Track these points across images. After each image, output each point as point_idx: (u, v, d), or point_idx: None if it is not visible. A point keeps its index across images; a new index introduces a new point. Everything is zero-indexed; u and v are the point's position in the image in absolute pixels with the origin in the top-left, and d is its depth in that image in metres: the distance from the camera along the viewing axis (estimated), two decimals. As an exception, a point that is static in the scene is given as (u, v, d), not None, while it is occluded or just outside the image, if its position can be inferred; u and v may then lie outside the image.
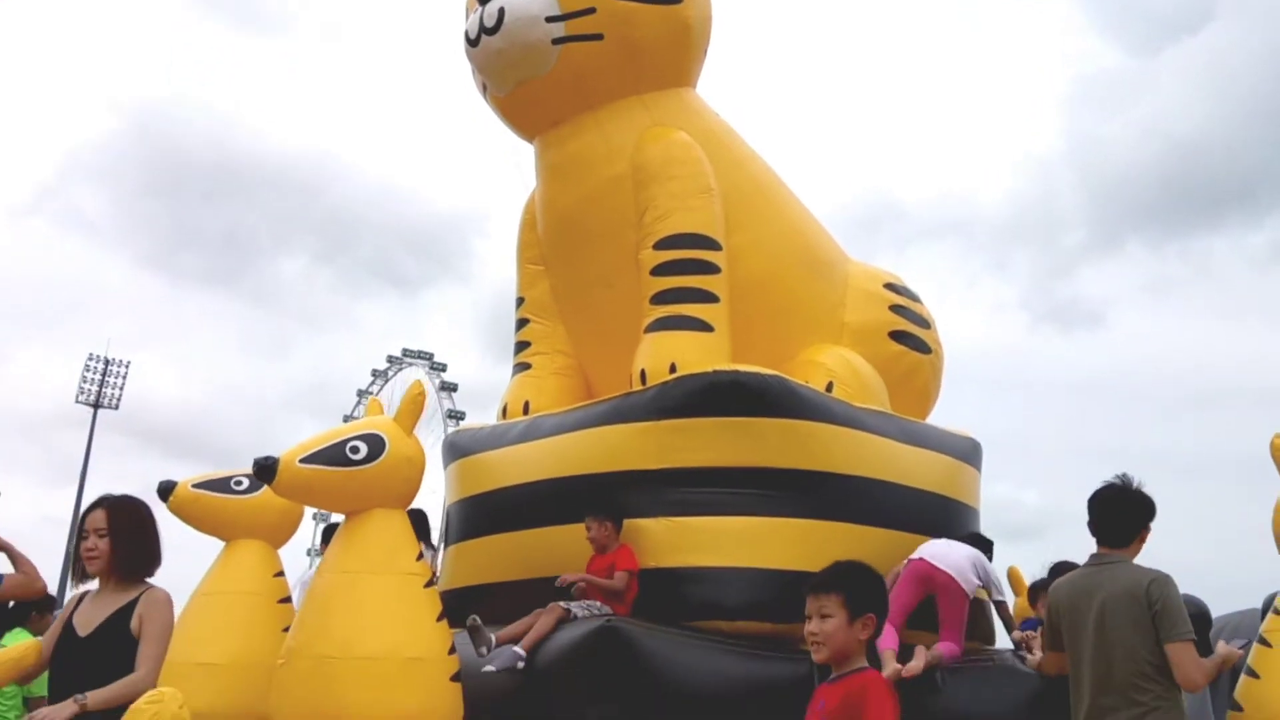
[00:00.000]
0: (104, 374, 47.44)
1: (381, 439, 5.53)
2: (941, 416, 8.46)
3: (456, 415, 63.03)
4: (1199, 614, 6.77)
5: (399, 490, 5.64)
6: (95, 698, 4.37)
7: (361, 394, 63.93)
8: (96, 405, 46.55)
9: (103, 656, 4.49)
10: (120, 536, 4.66)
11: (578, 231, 7.50)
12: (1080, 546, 5.17)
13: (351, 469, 5.41)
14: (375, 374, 65.64)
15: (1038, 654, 5.80)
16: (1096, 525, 4.94)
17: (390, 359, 66.27)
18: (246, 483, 6.28)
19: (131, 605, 4.59)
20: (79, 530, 4.86)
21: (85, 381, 47.12)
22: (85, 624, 4.65)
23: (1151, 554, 4.89)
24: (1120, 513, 4.88)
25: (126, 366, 48.22)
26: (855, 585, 3.45)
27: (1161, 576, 4.67)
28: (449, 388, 65.66)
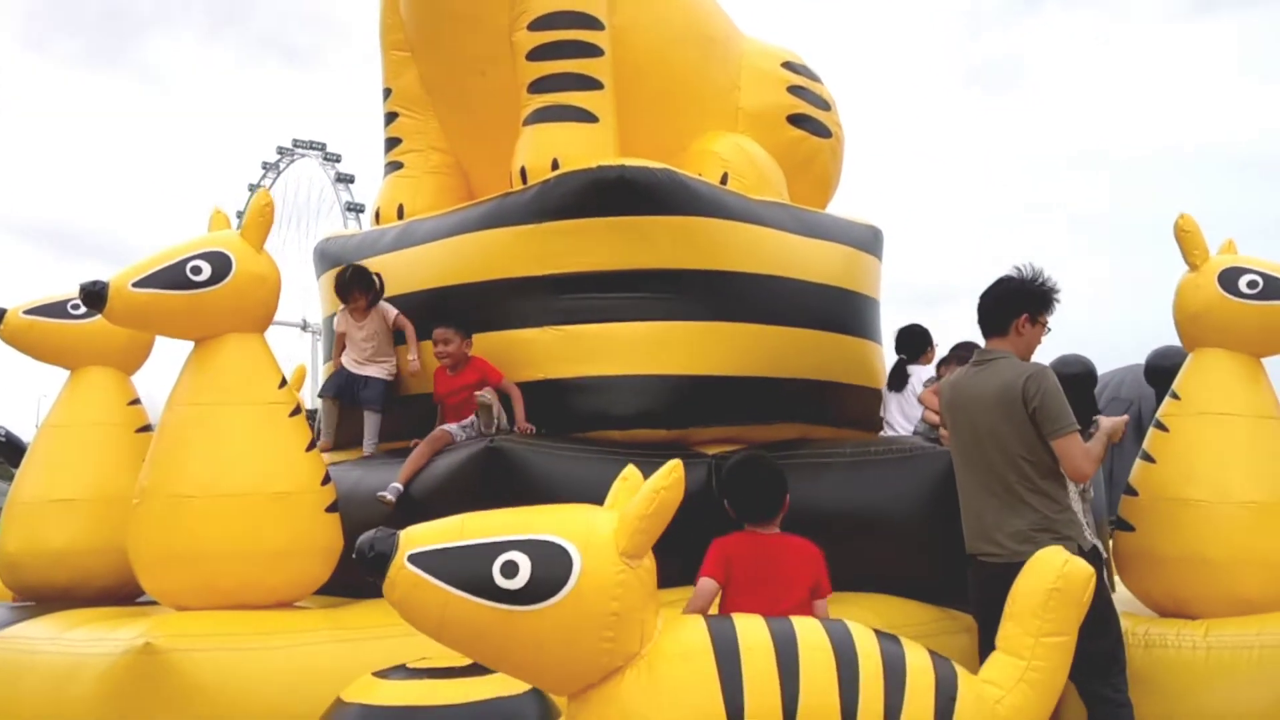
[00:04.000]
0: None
1: (227, 257, 5.01)
2: (857, 188, 8.08)
3: (356, 208, 61.13)
4: (1085, 372, 6.87)
5: (254, 313, 5.17)
6: None
7: (252, 188, 61.39)
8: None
9: None
10: None
11: (443, 11, 6.74)
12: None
13: (194, 291, 4.93)
14: (266, 166, 62.78)
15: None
16: (979, 316, 4.72)
17: (281, 150, 63.24)
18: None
19: None
20: None
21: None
22: None
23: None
24: (995, 300, 4.65)
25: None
26: None
27: (1038, 370, 4.46)
28: (346, 179, 63.26)
